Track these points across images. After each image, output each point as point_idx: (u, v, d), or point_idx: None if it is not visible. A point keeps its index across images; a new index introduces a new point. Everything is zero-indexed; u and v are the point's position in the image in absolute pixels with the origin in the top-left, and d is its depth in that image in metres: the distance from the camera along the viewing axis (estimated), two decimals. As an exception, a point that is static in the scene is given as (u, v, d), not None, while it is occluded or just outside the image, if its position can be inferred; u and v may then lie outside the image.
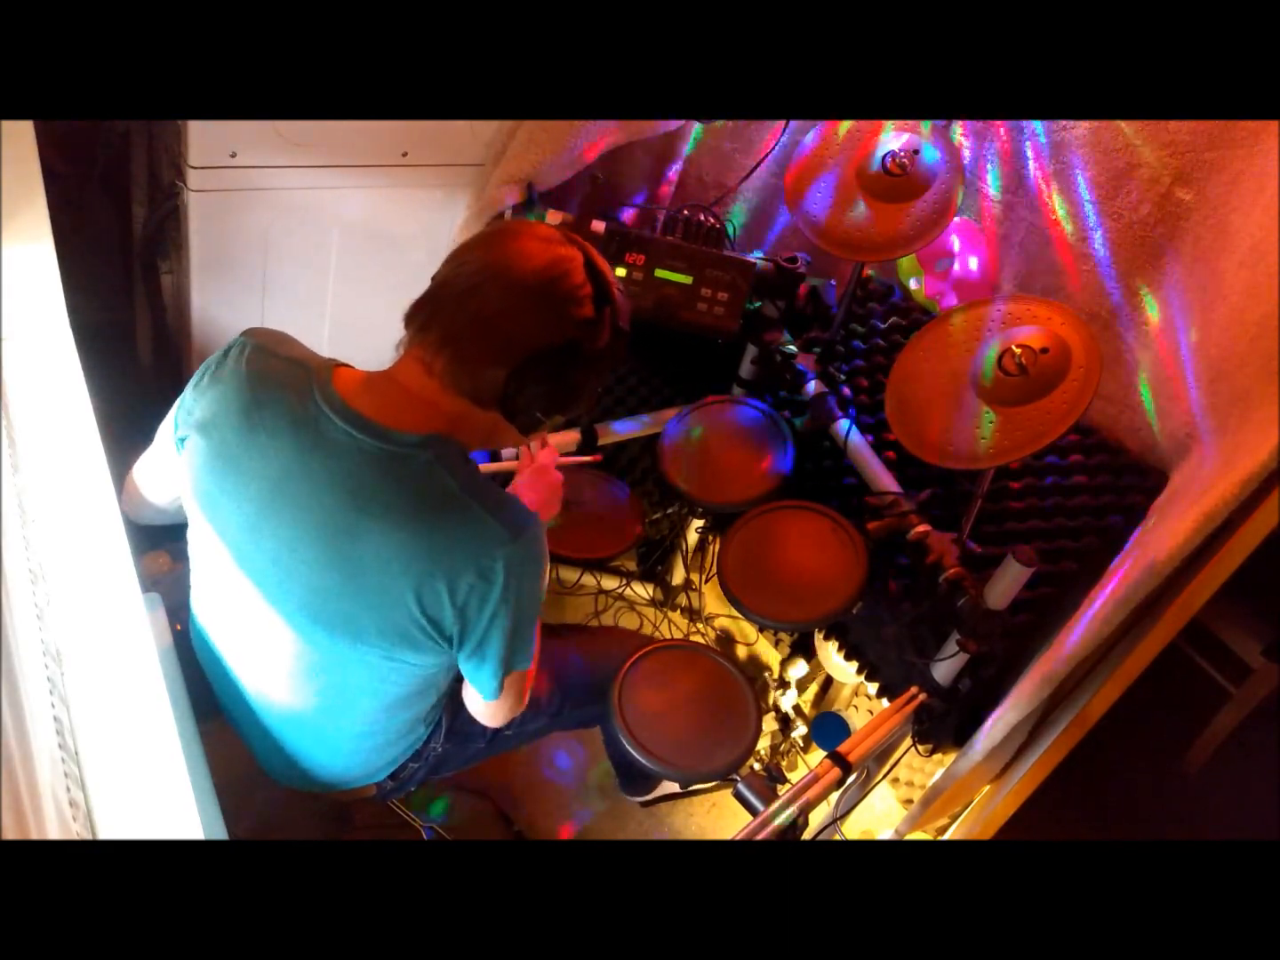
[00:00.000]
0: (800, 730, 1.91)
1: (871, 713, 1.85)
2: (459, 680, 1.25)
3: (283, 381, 1.02)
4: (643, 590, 2.14)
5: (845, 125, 1.56)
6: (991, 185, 1.63)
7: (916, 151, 1.47)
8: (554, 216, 1.63)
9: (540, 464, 1.37)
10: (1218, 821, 1.95)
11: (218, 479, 1.03)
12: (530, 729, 1.38)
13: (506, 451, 1.56)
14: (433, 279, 1.02)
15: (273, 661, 1.11)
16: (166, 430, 1.10)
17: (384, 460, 0.98)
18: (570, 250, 1.00)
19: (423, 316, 1.00)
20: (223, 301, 1.66)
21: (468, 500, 0.98)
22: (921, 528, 1.40)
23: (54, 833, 0.80)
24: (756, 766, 1.85)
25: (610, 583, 2.08)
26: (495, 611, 1.01)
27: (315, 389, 1.00)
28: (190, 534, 1.11)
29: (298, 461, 0.99)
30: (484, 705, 1.16)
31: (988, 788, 1.49)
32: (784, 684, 1.94)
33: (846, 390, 1.69)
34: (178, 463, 1.08)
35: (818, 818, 1.39)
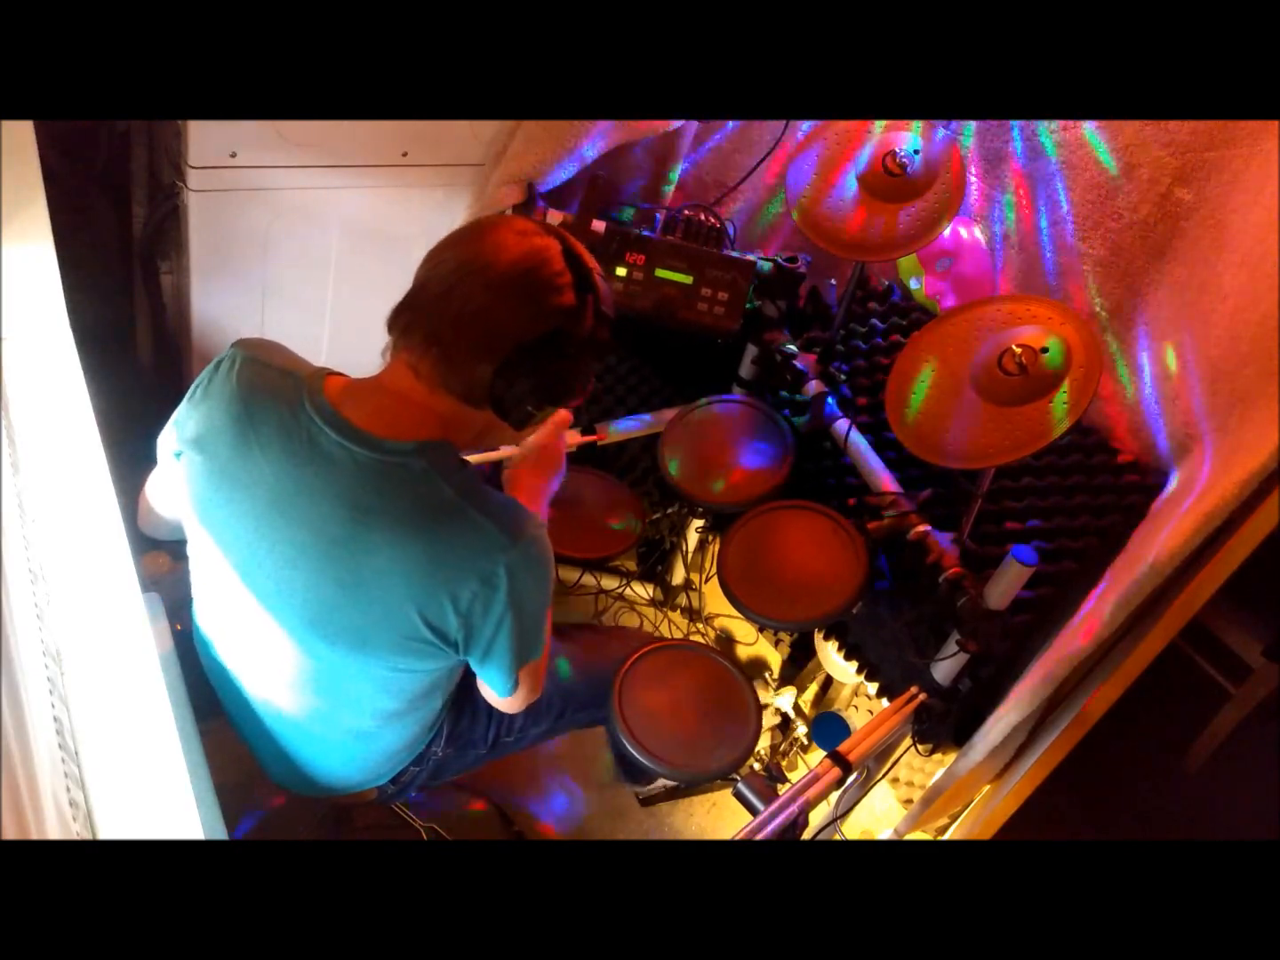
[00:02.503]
0: (800, 730, 1.91)
1: (871, 713, 1.85)
2: (459, 687, 1.25)
3: (274, 393, 1.01)
4: (643, 590, 2.14)
5: (845, 125, 1.55)
6: (992, 185, 1.63)
7: (917, 151, 1.47)
8: (554, 216, 1.62)
9: (540, 437, 1.34)
10: (1218, 821, 1.95)
11: (214, 494, 1.03)
12: (532, 734, 1.38)
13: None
14: (413, 281, 1.01)
15: (274, 670, 1.11)
16: (165, 445, 1.09)
17: (379, 470, 0.97)
18: (547, 240, 0.99)
19: (405, 320, 0.99)
20: (223, 301, 1.66)
21: (465, 507, 0.98)
22: (921, 528, 1.40)
23: (54, 833, 0.80)
24: (756, 766, 1.85)
25: (610, 583, 2.08)
26: (501, 616, 1.01)
27: (306, 400, 0.99)
28: (190, 546, 1.11)
29: (292, 475, 0.99)
30: (498, 701, 1.17)
31: (988, 788, 1.49)
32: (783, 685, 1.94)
33: (846, 390, 1.69)
34: (175, 476, 1.08)
35: (818, 818, 1.39)
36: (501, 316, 0.96)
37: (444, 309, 0.96)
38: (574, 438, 1.67)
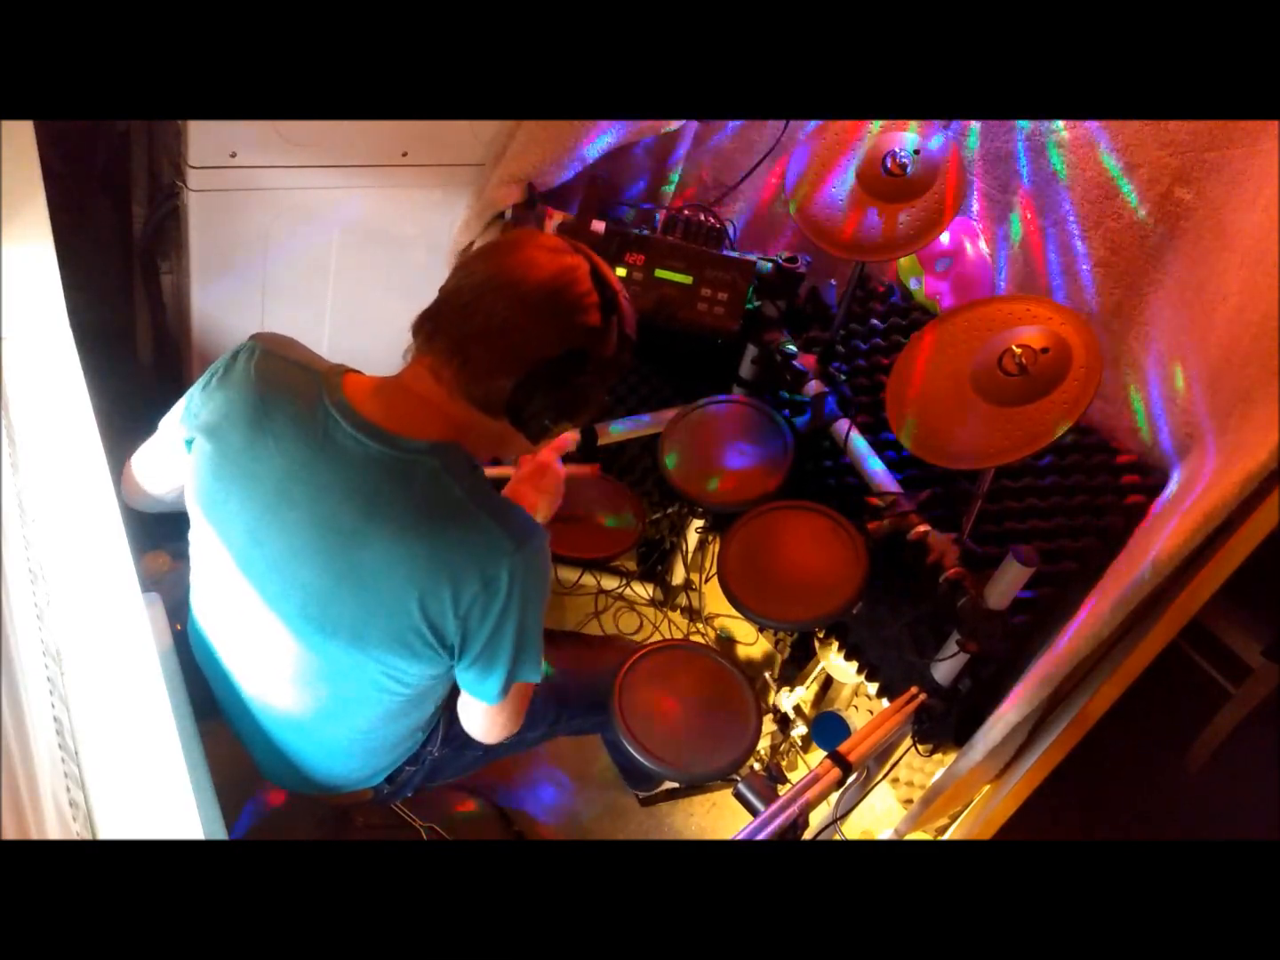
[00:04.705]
0: (800, 730, 1.91)
1: (871, 713, 1.85)
2: (456, 689, 1.25)
3: (291, 386, 1.02)
4: (643, 590, 2.14)
5: (845, 125, 1.55)
6: (991, 185, 1.63)
7: (917, 151, 1.47)
8: (554, 216, 1.62)
9: (541, 460, 1.36)
10: (1218, 821, 1.95)
11: (222, 482, 1.03)
12: (528, 738, 1.38)
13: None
14: (440, 289, 1.02)
15: (272, 666, 1.11)
16: (170, 426, 1.10)
17: (391, 466, 0.98)
18: (576, 259, 1.01)
19: (430, 327, 1.00)
20: (223, 301, 1.66)
21: (474, 508, 0.98)
22: (921, 528, 1.40)
23: (54, 833, 0.80)
24: (757, 766, 1.85)
25: (610, 583, 2.08)
26: (499, 621, 1.01)
27: (325, 394, 1.00)
28: (192, 536, 1.11)
29: (304, 466, 0.99)
30: (483, 718, 1.15)
31: (988, 788, 1.49)
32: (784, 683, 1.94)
33: (846, 390, 1.69)
34: (183, 463, 1.08)
35: (818, 818, 1.39)
36: (527, 332, 0.97)
37: (470, 320, 0.98)
38: (575, 468, 1.67)
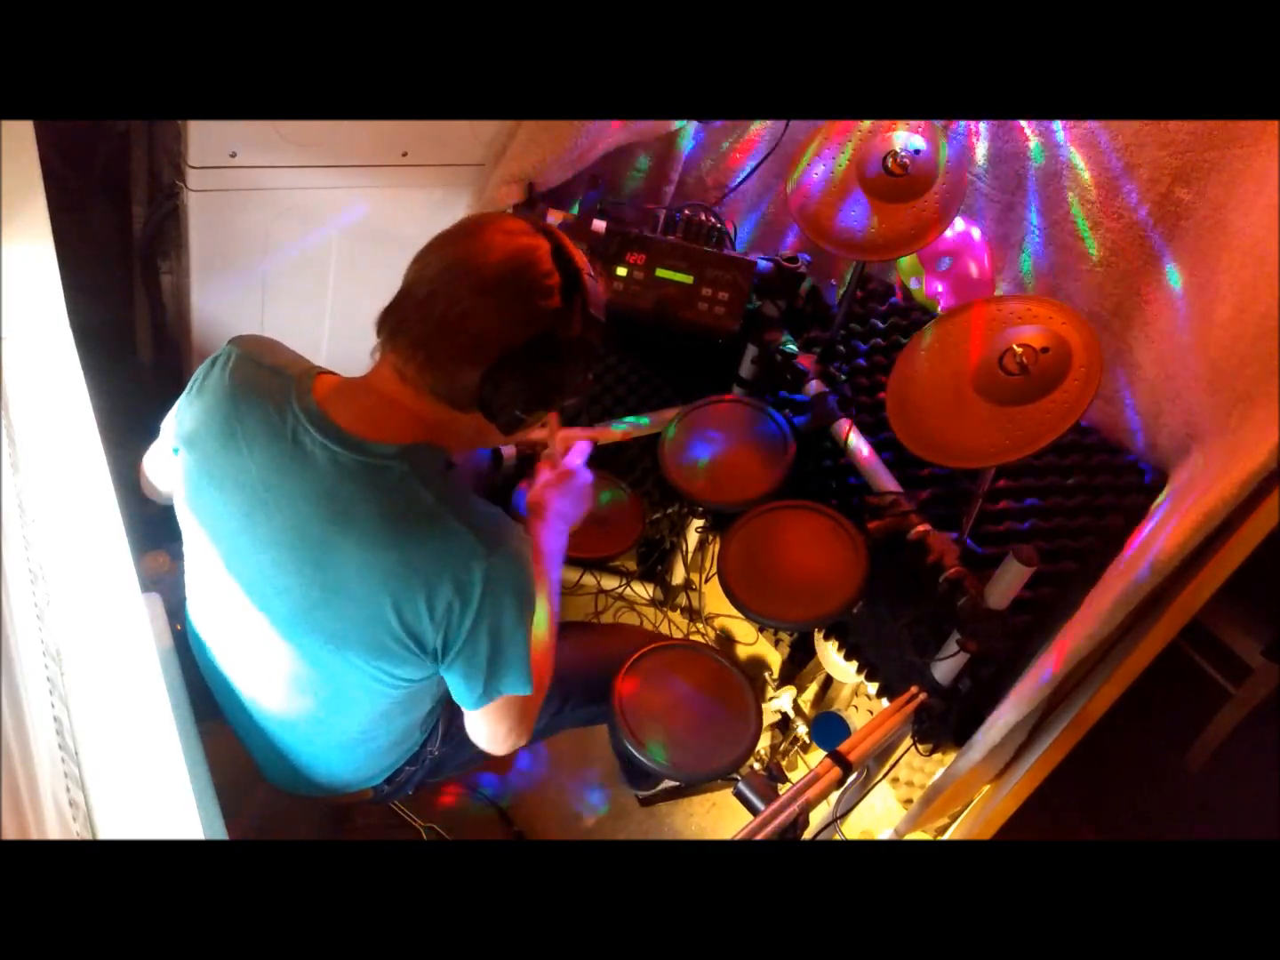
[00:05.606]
0: (800, 730, 1.91)
1: (871, 713, 1.85)
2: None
3: (264, 392, 1.01)
4: (643, 590, 2.14)
5: (846, 125, 1.55)
6: (992, 185, 1.63)
7: (917, 151, 1.47)
8: (554, 216, 1.62)
9: (568, 467, 1.32)
10: (1218, 821, 1.95)
11: (203, 491, 1.03)
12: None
13: (506, 450, 1.56)
14: (401, 283, 1.00)
15: (266, 669, 1.11)
16: (168, 428, 1.10)
17: (359, 473, 0.96)
18: (536, 240, 0.97)
19: (392, 323, 0.98)
20: (223, 301, 1.66)
21: (443, 513, 0.96)
22: (921, 528, 1.39)
23: (54, 833, 0.80)
24: (757, 766, 1.85)
25: (610, 583, 2.08)
26: (474, 625, 0.99)
27: (294, 399, 0.99)
28: (184, 543, 1.11)
29: (276, 474, 0.98)
30: (477, 727, 1.13)
31: (988, 788, 1.49)
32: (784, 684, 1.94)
33: (847, 390, 1.69)
34: (172, 468, 1.08)
35: (818, 817, 1.39)
36: (488, 320, 0.95)
37: (430, 312, 0.95)
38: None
